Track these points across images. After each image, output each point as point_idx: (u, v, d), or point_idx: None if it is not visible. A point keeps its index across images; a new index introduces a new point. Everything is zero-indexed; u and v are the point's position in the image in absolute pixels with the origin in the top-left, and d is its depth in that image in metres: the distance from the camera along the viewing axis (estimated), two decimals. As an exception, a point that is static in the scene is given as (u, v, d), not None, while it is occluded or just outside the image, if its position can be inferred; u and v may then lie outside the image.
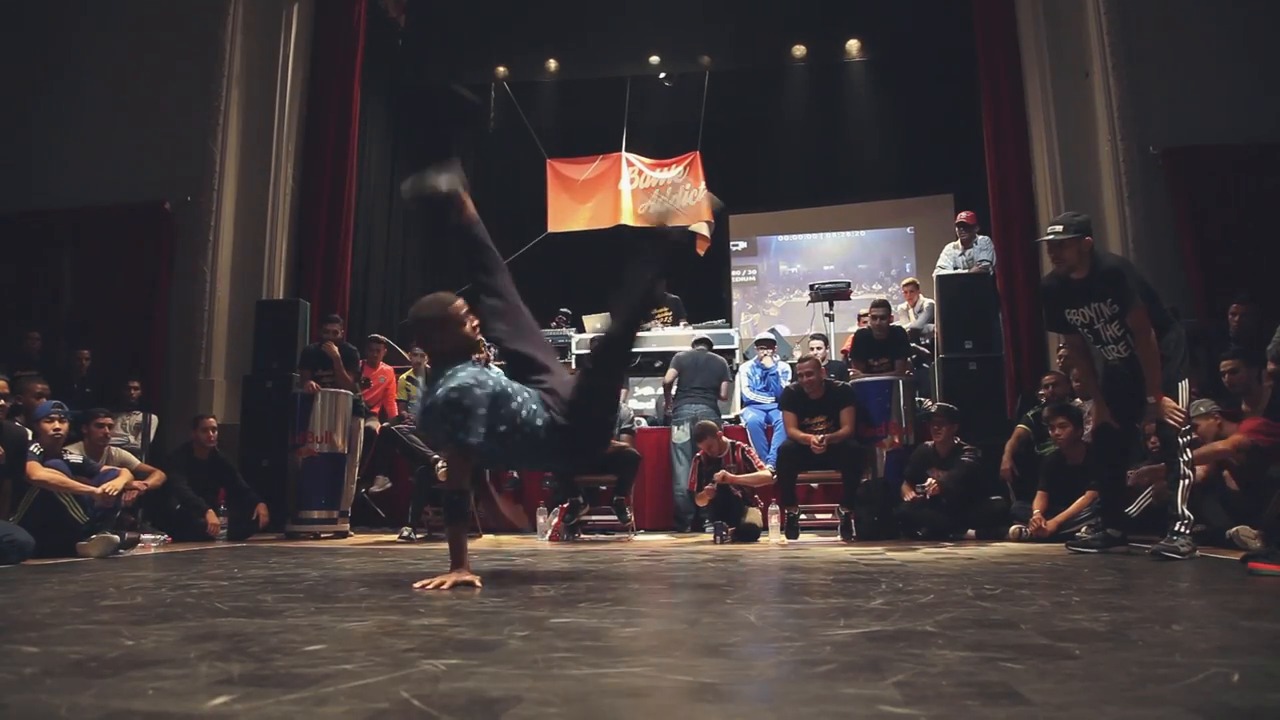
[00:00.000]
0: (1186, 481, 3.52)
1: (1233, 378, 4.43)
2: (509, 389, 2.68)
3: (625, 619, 1.89)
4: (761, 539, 5.20)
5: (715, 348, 7.16)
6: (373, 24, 8.56)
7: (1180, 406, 3.54)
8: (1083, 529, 4.49)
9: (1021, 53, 7.31)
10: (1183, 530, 3.44)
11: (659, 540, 5.46)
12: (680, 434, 6.34)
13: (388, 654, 1.46)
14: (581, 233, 10.29)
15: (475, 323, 2.75)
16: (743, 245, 11.81)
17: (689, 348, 7.00)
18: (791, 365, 7.02)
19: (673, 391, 6.65)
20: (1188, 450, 3.56)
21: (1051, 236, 3.70)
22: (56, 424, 4.36)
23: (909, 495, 5.31)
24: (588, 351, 2.34)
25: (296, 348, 6.58)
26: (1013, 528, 4.95)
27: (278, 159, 7.67)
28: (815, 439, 5.33)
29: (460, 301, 2.74)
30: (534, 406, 2.71)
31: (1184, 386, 3.59)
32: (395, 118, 10.14)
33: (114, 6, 7.69)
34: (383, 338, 7.40)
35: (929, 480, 5.17)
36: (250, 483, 5.73)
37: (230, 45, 7.50)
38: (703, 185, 10.09)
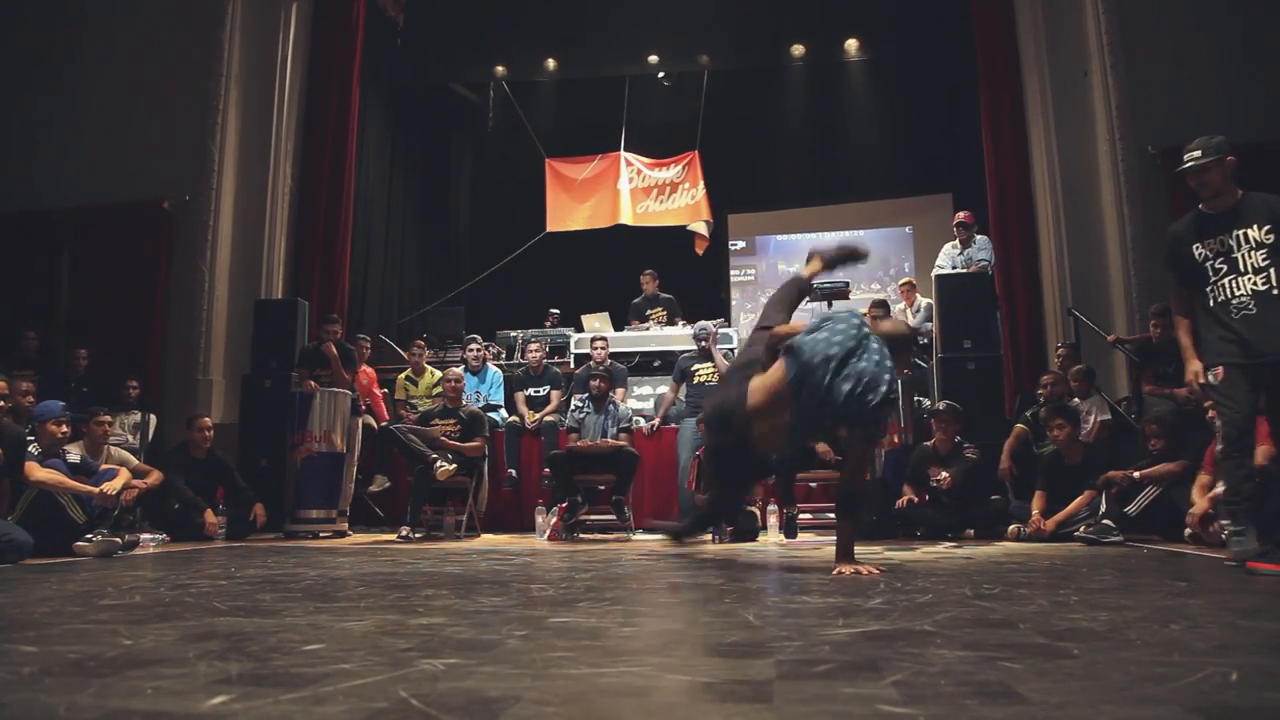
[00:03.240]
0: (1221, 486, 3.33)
1: None
2: None
3: (624, 618, 1.89)
4: (760, 538, 5.20)
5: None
6: (371, 23, 8.56)
7: None
8: (1080, 528, 4.50)
9: (1020, 52, 7.31)
10: (1239, 530, 3.14)
11: (658, 539, 5.45)
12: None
13: (386, 653, 1.46)
14: (580, 232, 10.29)
15: None
16: (741, 245, 11.80)
17: (691, 347, 6.79)
18: None
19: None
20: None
21: (1192, 164, 3.41)
22: (65, 426, 4.38)
23: (908, 497, 5.30)
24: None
25: (295, 347, 6.56)
26: (1011, 527, 4.95)
27: (276, 158, 7.66)
28: (822, 445, 5.32)
29: None
30: None
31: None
32: (394, 117, 10.12)
33: (113, 7, 7.68)
34: (367, 338, 7.38)
35: (943, 475, 5.17)
36: (249, 482, 5.72)
37: (229, 45, 7.49)
38: (701, 185, 10.09)
